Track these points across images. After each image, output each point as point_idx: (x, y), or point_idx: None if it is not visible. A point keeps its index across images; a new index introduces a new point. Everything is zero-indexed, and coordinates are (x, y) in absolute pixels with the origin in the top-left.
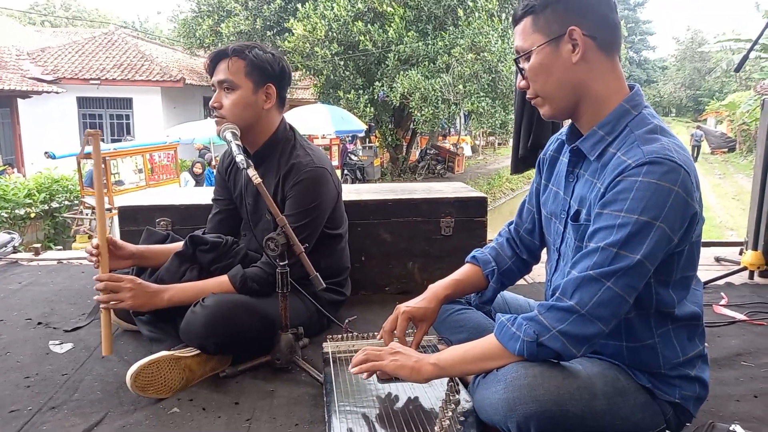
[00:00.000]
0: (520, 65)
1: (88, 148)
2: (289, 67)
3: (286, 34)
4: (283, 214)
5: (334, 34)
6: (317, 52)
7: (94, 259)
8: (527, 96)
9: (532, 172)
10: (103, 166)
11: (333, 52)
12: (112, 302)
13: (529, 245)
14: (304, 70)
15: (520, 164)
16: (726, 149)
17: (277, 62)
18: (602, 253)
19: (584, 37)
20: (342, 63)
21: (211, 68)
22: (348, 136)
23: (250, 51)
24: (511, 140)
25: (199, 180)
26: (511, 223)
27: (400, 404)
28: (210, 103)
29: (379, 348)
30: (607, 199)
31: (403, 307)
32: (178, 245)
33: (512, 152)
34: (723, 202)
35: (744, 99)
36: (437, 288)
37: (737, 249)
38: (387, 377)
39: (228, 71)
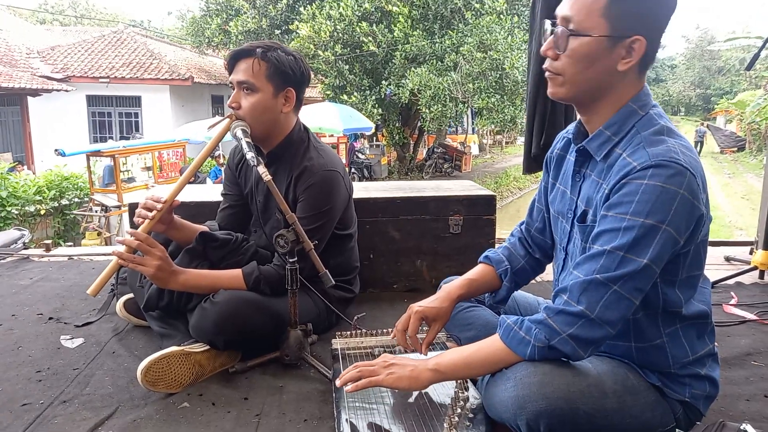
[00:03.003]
0: (560, 33)
1: (218, 127)
2: (308, 69)
3: (292, 34)
4: (294, 215)
5: (339, 34)
6: (320, 55)
7: (150, 213)
8: (544, 65)
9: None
10: (112, 163)
11: (336, 54)
12: (132, 264)
13: (541, 244)
14: (313, 72)
15: (532, 163)
16: (735, 148)
17: (298, 65)
18: (608, 257)
19: (643, 49)
20: (347, 66)
21: (231, 65)
22: (352, 134)
23: (273, 53)
24: (519, 138)
25: (197, 184)
26: (522, 223)
27: (408, 401)
28: (228, 102)
29: (370, 363)
30: (612, 202)
31: (416, 306)
32: (204, 227)
33: (524, 151)
34: (732, 202)
35: (754, 98)
36: (450, 288)
37: (747, 248)
38: None
39: (249, 73)
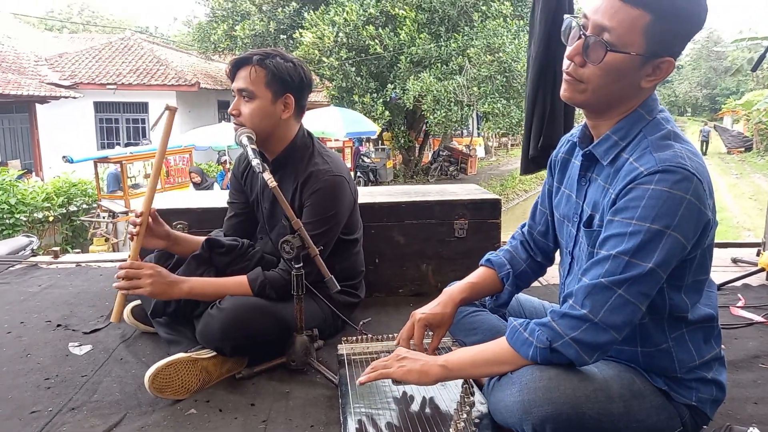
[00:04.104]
0: (593, 43)
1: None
2: (309, 76)
3: (297, 40)
4: (300, 221)
5: (344, 39)
6: (324, 62)
7: (135, 229)
8: (565, 68)
9: (543, 173)
10: (119, 168)
11: (342, 59)
12: (131, 289)
13: (543, 247)
14: (317, 77)
15: (530, 164)
16: (743, 149)
17: (297, 72)
18: (614, 261)
19: (670, 70)
20: (353, 69)
21: (232, 74)
22: (357, 138)
23: (272, 60)
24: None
25: (206, 188)
26: (524, 226)
27: (414, 406)
28: (229, 110)
29: (385, 358)
30: (619, 207)
31: (418, 314)
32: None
33: (522, 153)
34: (740, 202)
35: (761, 98)
36: (452, 292)
37: (754, 250)
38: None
39: (248, 80)
